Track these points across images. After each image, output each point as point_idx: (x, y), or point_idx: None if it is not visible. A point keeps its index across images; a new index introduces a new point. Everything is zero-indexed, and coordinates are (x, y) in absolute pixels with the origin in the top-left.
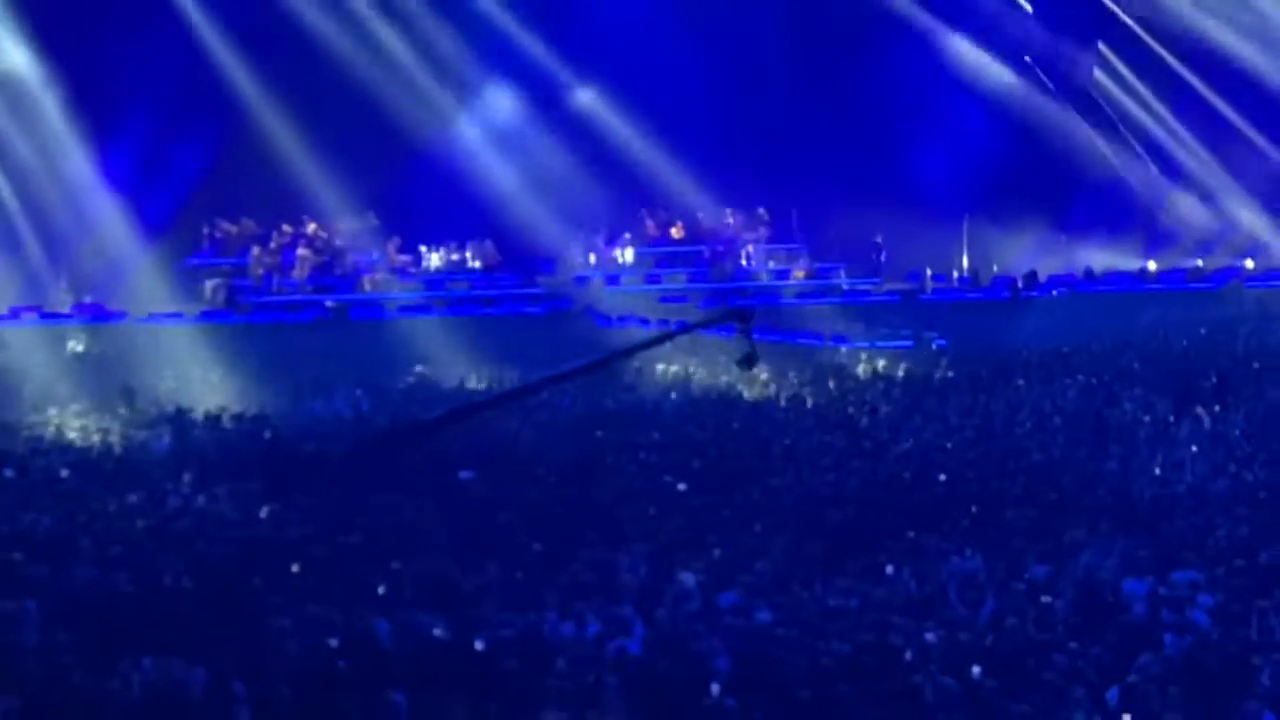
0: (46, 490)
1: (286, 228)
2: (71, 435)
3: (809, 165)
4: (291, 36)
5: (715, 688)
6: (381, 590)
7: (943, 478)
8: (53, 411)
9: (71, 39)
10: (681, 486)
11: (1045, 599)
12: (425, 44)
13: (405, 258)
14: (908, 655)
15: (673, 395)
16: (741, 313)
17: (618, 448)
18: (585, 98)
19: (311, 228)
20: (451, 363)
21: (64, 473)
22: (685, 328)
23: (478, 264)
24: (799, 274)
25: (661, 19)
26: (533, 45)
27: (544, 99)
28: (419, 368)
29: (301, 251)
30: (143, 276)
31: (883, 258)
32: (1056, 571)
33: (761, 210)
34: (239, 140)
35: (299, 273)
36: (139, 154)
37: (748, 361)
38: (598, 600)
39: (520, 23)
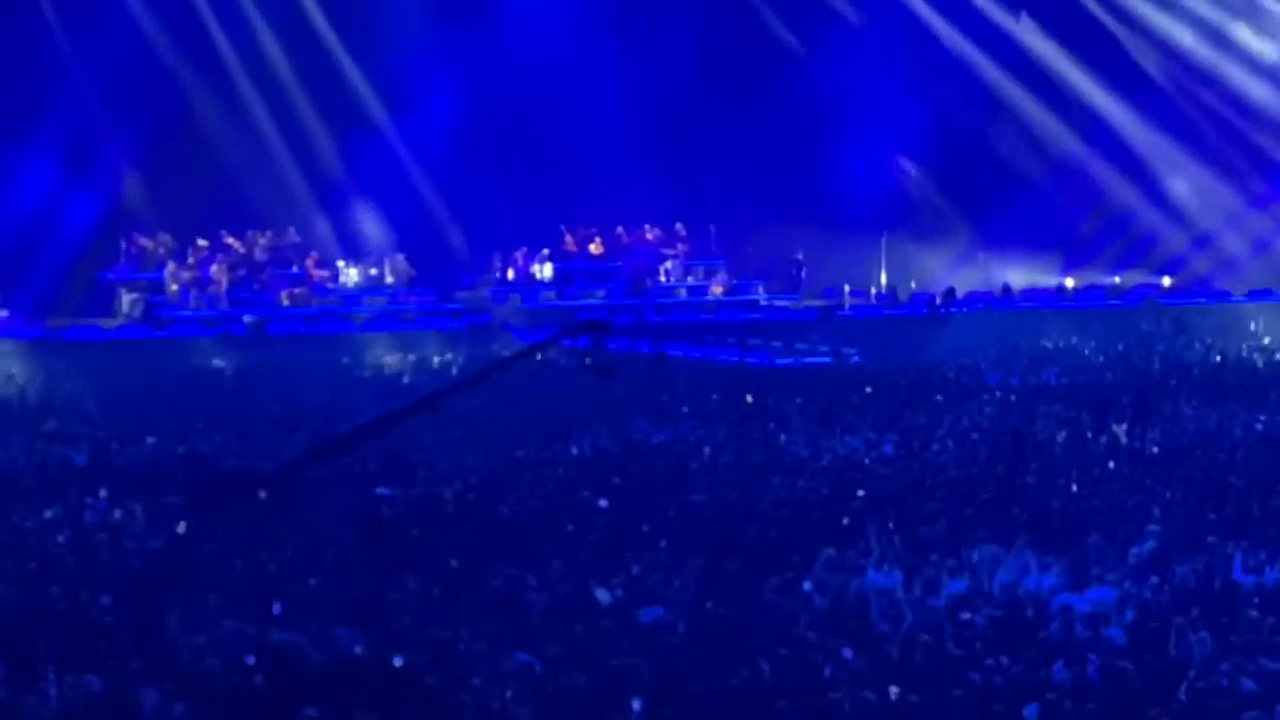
0: None
1: (203, 242)
2: None
3: (727, 181)
4: (212, 45)
5: (636, 704)
6: (298, 607)
7: (861, 493)
8: None
9: None
10: (602, 503)
11: (963, 615)
12: (344, 56)
13: (324, 273)
14: (826, 672)
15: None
16: (598, 324)
17: (535, 464)
18: (503, 112)
19: (229, 242)
20: (370, 378)
21: None
22: (549, 339)
23: (392, 279)
24: (717, 290)
25: (581, 33)
26: (451, 58)
27: (462, 113)
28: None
29: (215, 268)
30: (60, 289)
31: (803, 274)
32: (974, 588)
33: (679, 226)
34: (158, 152)
35: (216, 288)
36: (57, 164)
37: (605, 372)
38: (514, 617)
39: (439, 35)
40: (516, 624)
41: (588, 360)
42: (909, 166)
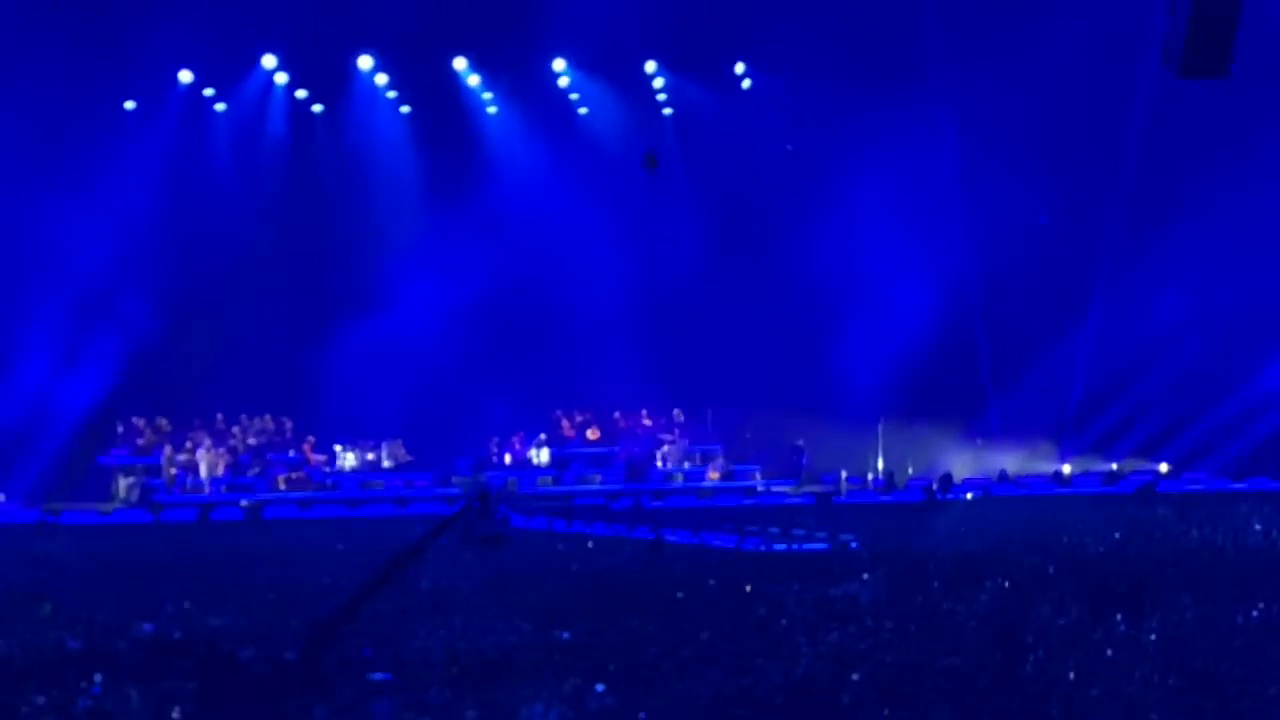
0: None
1: (200, 431)
2: None
3: (724, 367)
4: (207, 227)
5: None
6: None
7: (856, 678)
8: None
9: None
10: (599, 688)
11: None
12: (341, 240)
13: (320, 457)
14: None
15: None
16: (484, 492)
17: (529, 648)
18: (501, 296)
19: (233, 429)
20: (365, 564)
21: None
22: (455, 515)
23: (389, 463)
24: (714, 475)
25: (578, 219)
26: (449, 240)
27: (459, 296)
28: (333, 568)
29: (204, 453)
30: (57, 474)
31: (805, 460)
32: None
33: (677, 412)
34: (155, 335)
35: (214, 472)
36: (52, 348)
37: (494, 541)
38: None
39: (437, 216)
40: None
41: (475, 532)
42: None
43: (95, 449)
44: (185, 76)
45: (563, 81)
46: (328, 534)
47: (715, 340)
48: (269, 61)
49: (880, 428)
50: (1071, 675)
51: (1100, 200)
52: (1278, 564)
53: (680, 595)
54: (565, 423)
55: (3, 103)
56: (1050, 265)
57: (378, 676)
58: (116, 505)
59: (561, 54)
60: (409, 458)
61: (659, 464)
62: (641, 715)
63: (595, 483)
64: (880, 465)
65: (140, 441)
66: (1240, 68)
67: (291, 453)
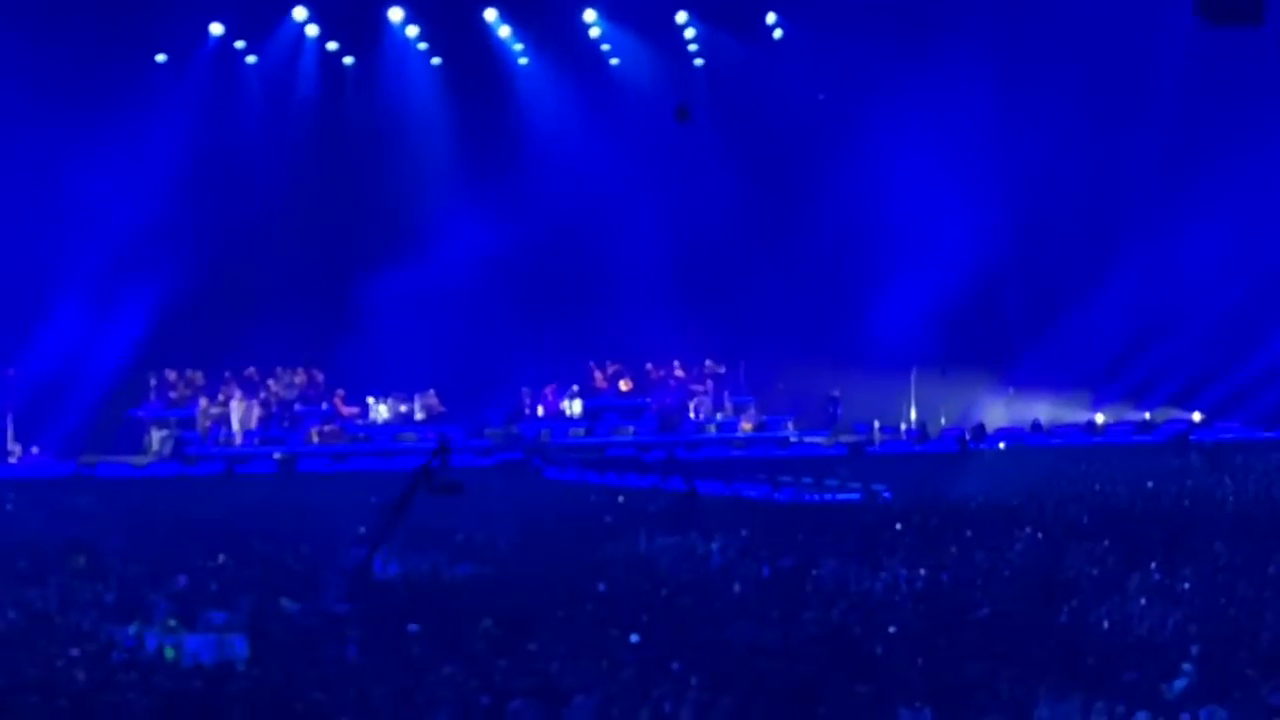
0: None
1: (233, 384)
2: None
3: (757, 318)
4: (240, 179)
5: None
6: None
7: (892, 630)
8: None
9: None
10: (633, 638)
11: None
12: (372, 193)
13: (353, 409)
14: None
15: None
16: (442, 444)
17: (568, 600)
18: (533, 247)
19: (266, 382)
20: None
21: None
22: (421, 466)
23: (421, 415)
24: (747, 426)
25: (610, 169)
26: (482, 191)
27: (491, 247)
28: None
29: (236, 406)
30: (90, 426)
31: (839, 410)
32: None
33: (709, 362)
34: (187, 288)
35: (247, 425)
36: (85, 302)
37: (450, 489)
38: None
39: (470, 168)
40: None
41: (435, 481)
42: None
43: (128, 402)
44: (216, 29)
45: (594, 32)
46: (361, 487)
47: (747, 291)
48: (300, 14)
49: (913, 377)
50: (1106, 624)
51: (1135, 148)
52: None
53: (714, 546)
54: (598, 374)
55: (35, 57)
56: (1084, 213)
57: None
58: (149, 458)
59: (592, 4)
60: (442, 409)
61: (691, 415)
62: (674, 664)
63: (628, 434)
64: (913, 415)
65: (173, 395)
66: (1274, 15)
67: (324, 405)
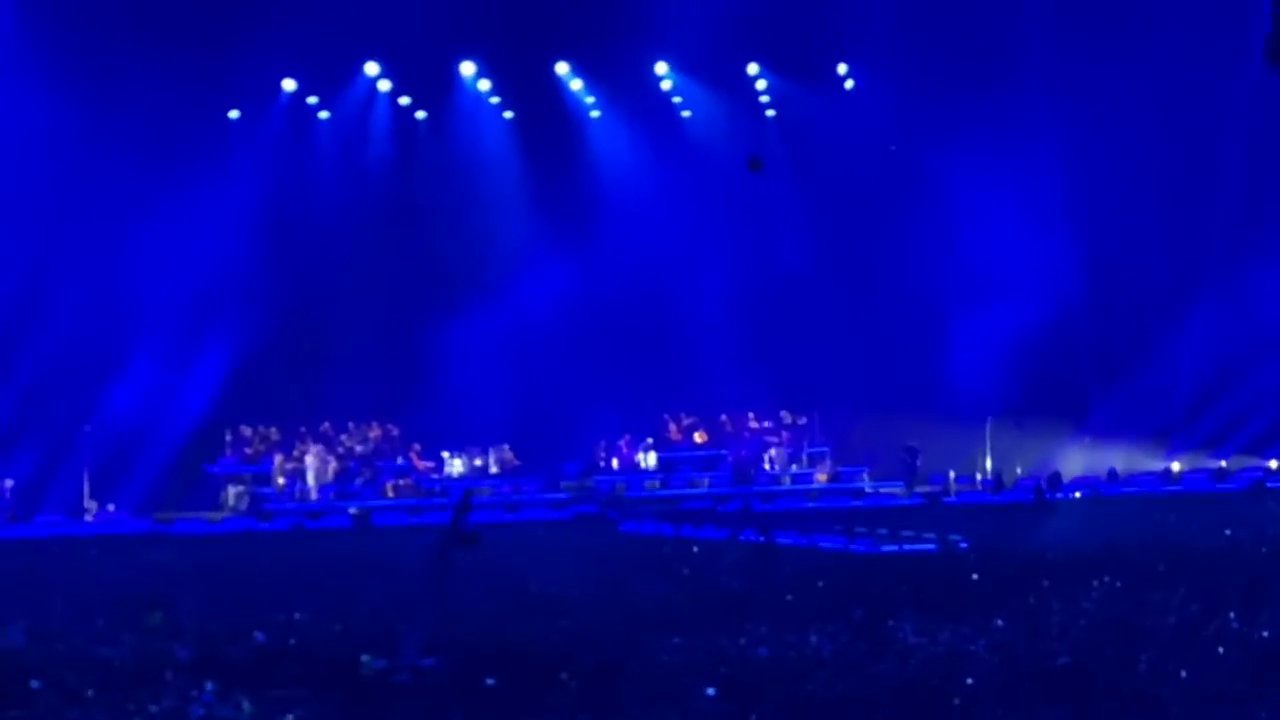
0: (74, 700)
1: (308, 439)
2: (98, 646)
3: (830, 368)
4: (314, 235)
5: None
6: None
7: (970, 681)
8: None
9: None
10: (710, 692)
11: None
12: (445, 247)
13: (428, 463)
14: None
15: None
16: (463, 500)
17: (642, 653)
18: (608, 299)
19: (340, 437)
20: (475, 569)
21: (89, 686)
22: (452, 520)
23: (496, 469)
24: (822, 477)
25: (685, 221)
26: (558, 246)
27: (566, 301)
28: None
29: (311, 461)
30: (166, 483)
31: (919, 461)
32: None
33: (784, 413)
34: (263, 344)
35: (322, 480)
36: (162, 359)
37: (469, 542)
38: None
39: (547, 222)
40: None
41: (455, 531)
42: None
43: (204, 458)
44: (289, 85)
45: (666, 85)
46: (434, 537)
47: (821, 341)
48: (371, 69)
49: (989, 426)
50: (1184, 673)
51: (1209, 193)
52: None
53: (789, 598)
54: (672, 426)
55: (111, 113)
56: (1157, 262)
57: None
58: (225, 514)
59: (664, 57)
60: (516, 462)
61: (766, 466)
62: (753, 717)
63: (703, 486)
64: (989, 465)
65: (248, 450)
66: None
67: (399, 460)
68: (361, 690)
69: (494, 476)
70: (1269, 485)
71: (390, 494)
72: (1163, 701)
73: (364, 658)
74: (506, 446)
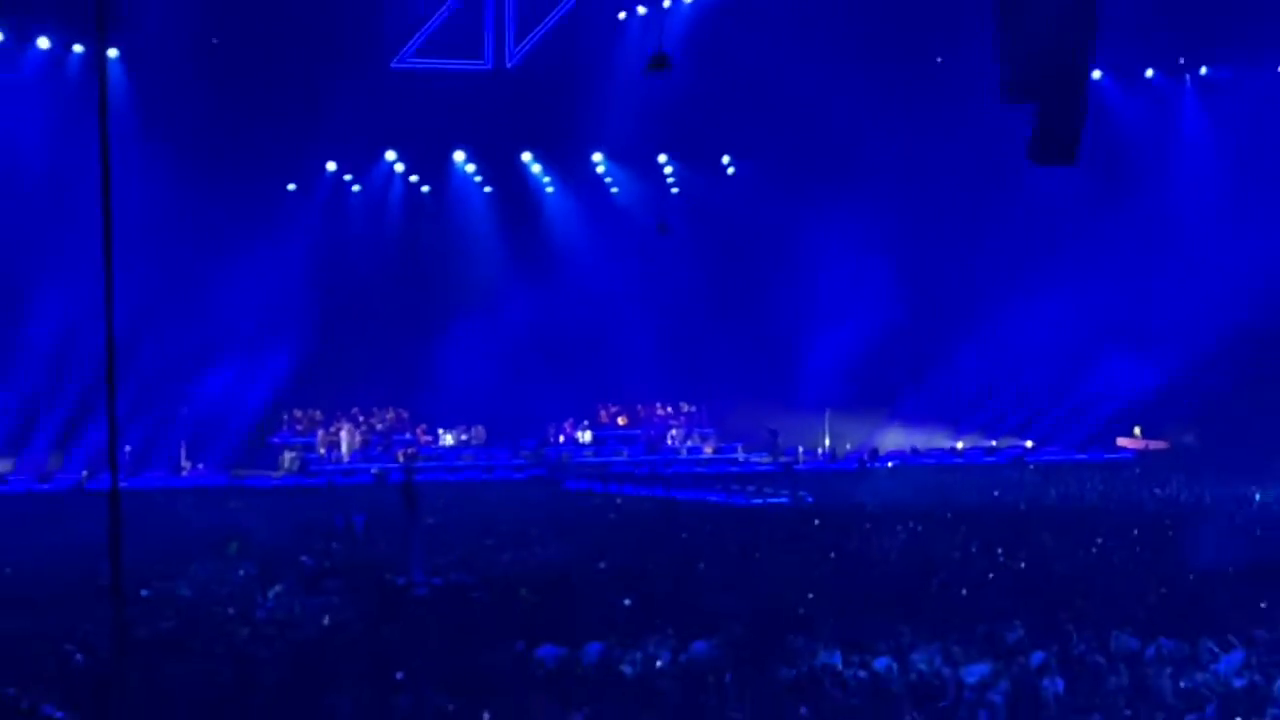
0: (172, 603)
1: (342, 420)
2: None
3: (716, 370)
4: (350, 275)
5: None
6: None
7: (811, 596)
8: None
9: (196, 274)
10: (627, 602)
11: (887, 684)
12: (442, 283)
13: (428, 437)
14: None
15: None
16: (409, 465)
17: (580, 575)
18: (557, 319)
19: (366, 418)
20: (461, 511)
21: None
22: (404, 479)
23: (476, 442)
24: (708, 450)
25: (615, 266)
26: (522, 281)
27: (527, 321)
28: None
29: (344, 436)
30: (240, 449)
31: (779, 439)
32: (895, 664)
33: (683, 404)
34: (311, 351)
35: (352, 449)
36: (236, 361)
37: (410, 499)
38: (563, 682)
39: (513, 267)
40: (565, 688)
41: (403, 492)
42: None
43: (268, 432)
44: (331, 166)
45: (600, 169)
46: (435, 492)
47: (711, 351)
48: (390, 155)
49: (827, 415)
50: (964, 592)
51: (991, 249)
52: (1110, 511)
53: (684, 535)
54: (602, 412)
55: (208, 183)
56: (951, 293)
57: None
58: (282, 472)
59: (599, 149)
60: (485, 437)
61: (669, 442)
62: (659, 622)
63: (623, 456)
64: (827, 442)
65: (299, 426)
66: (1087, 155)
67: (408, 434)
68: (390, 598)
69: (473, 447)
70: (1026, 459)
71: (400, 459)
72: (952, 611)
73: (386, 576)
74: (481, 426)
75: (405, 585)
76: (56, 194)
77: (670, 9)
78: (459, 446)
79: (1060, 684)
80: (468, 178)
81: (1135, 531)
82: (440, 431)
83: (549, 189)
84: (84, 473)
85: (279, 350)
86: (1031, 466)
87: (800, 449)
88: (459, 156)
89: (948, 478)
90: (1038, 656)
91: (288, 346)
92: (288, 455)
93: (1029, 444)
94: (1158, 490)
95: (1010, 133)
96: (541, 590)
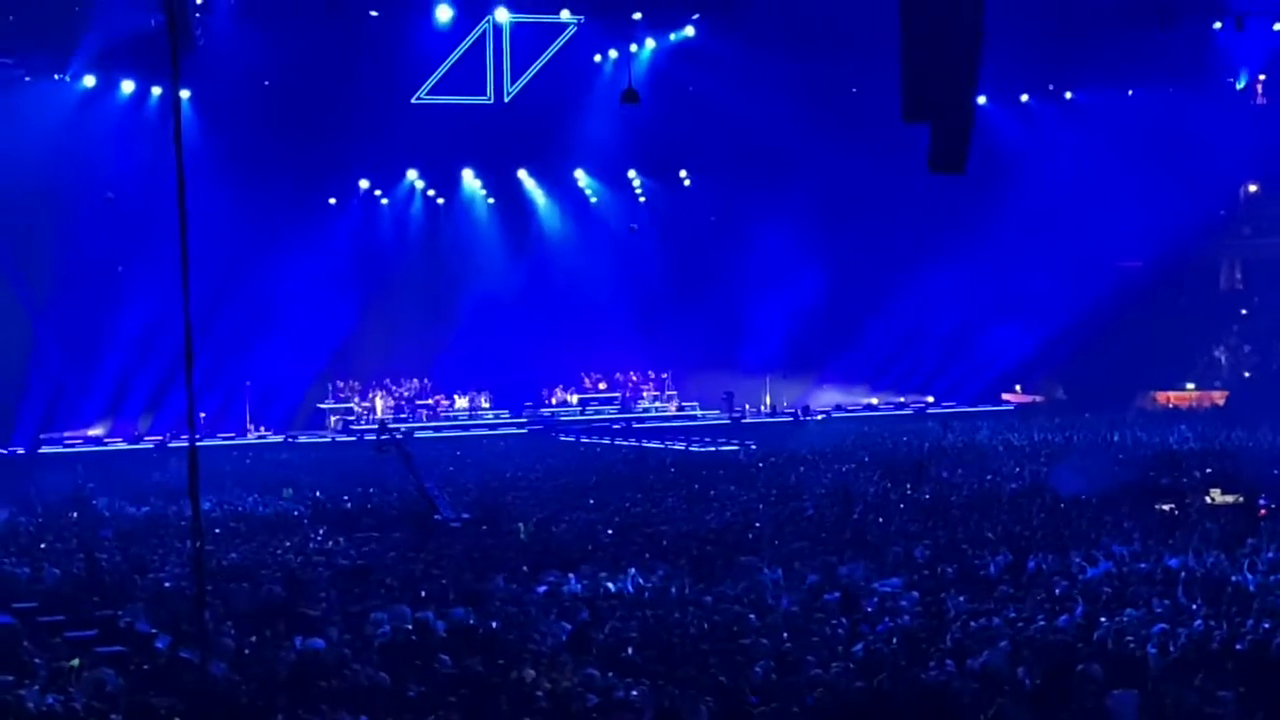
0: (239, 538)
1: (376, 388)
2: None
3: (680, 344)
4: (379, 271)
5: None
6: (424, 593)
7: (757, 525)
8: (242, 494)
9: (259, 270)
10: (608, 533)
11: (818, 597)
12: (456, 277)
13: (446, 401)
14: (735, 627)
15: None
16: (383, 424)
17: (571, 512)
18: (549, 304)
19: (395, 387)
20: (473, 461)
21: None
22: (381, 438)
23: (484, 405)
24: (672, 408)
25: (596, 258)
26: (520, 272)
27: (525, 307)
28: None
29: (378, 401)
30: (294, 413)
31: (733, 399)
32: (824, 580)
33: (651, 372)
34: (351, 331)
35: (384, 412)
36: (292, 339)
37: (381, 450)
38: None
39: (512, 261)
40: (559, 605)
41: (376, 448)
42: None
43: (317, 398)
44: (364, 183)
45: (582, 183)
46: (450, 444)
47: (675, 328)
48: (412, 174)
49: (768, 378)
50: (880, 519)
51: (904, 235)
52: (995, 453)
53: (652, 477)
54: (586, 379)
55: (263, 193)
56: (870, 272)
57: (484, 527)
58: (329, 432)
59: (581, 167)
60: (490, 402)
61: (642, 402)
62: (631, 546)
63: (604, 414)
64: (769, 400)
65: (342, 394)
66: (974, 164)
67: (430, 401)
68: (426, 529)
69: (481, 409)
70: (927, 411)
71: (424, 419)
72: (868, 536)
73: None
74: (487, 391)
75: (440, 521)
76: (144, 209)
77: (637, 53)
78: (469, 408)
79: (961, 598)
80: (475, 191)
81: (1017, 468)
82: (456, 396)
83: (541, 200)
84: (167, 433)
85: (325, 332)
86: (932, 417)
87: (746, 406)
88: (468, 174)
89: (866, 427)
90: (943, 571)
91: (332, 329)
92: (333, 418)
93: (930, 398)
94: (1035, 435)
95: (911, 146)
96: (538, 523)
